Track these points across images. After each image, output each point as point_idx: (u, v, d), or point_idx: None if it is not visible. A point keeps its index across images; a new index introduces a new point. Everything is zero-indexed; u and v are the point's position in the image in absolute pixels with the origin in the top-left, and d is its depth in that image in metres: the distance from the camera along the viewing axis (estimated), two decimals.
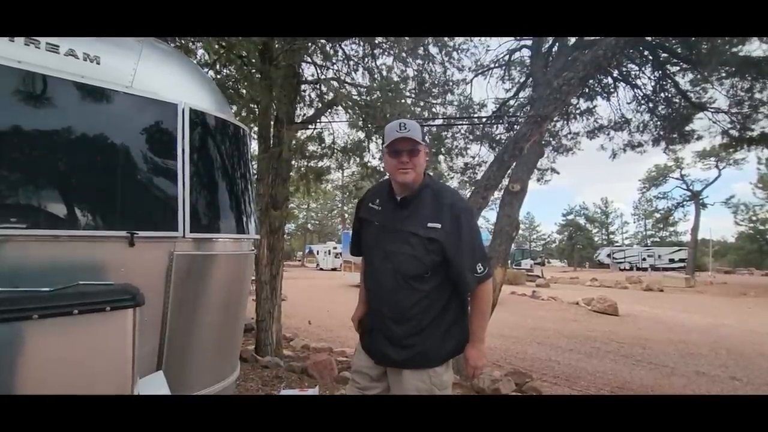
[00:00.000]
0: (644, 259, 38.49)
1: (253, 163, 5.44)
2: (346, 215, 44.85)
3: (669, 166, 32.66)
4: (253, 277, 5.31)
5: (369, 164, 6.96)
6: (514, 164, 5.06)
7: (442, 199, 1.62)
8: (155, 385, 1.53)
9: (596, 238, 52.28)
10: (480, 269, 1.58)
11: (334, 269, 28.47)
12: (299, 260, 42.98)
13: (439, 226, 1.57)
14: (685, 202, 33.67)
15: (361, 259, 1.89)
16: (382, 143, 1.66)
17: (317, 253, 34.17)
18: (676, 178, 33.11)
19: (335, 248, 30.28)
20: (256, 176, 4.88)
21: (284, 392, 3.11)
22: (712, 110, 7.64)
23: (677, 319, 11.12)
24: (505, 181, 5.36)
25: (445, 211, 1.60)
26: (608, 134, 8.70)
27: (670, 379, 5.92)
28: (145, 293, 1.52)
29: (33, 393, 1.17)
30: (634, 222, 50.83)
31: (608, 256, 42.41)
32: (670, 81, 7.43)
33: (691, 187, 32.03)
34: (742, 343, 8.23)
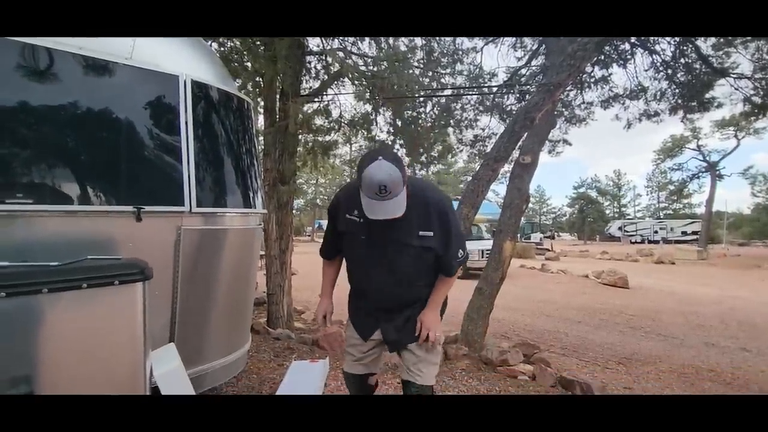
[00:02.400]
0: (656, 232, 38.05)
1: (260, 137, 5.39)
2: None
3: (685, 136, 31.73)
4: (263, 252, 5.37)
5: (377, 138, 6.87)
6: (525, 135, 4.94)
7: (427, 200, 1.57)
8: (167, 357, 1.56)
9: (608, 212, 51.69)
10: (461, 255, 1.67)
11: None
12: (309, 235, 43.38)
13: (431, 234, 1.58)
14: (700, 174, 32.86)
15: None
16: (357, 179, 1.46)
17: None
18: (693, 149, 32.22)
19: None
20: (262, 151, 4.85)
21: (295, 363, 3.17)
22: (734, 76, 7.31)
23: (688, 291, 11.06)
24: (516, 153, 5.25)
25: (433, 214, 1.57)
26: (623, 103, 8.41)
27: (679, 350, 5.93)
28: (155, 268, 1.52)
29: (48, 367, 1.20)
30: (647, 194, 50.05)
31: (619, 229, 41.99)
32: (691, 46, 7.10)
33: (707, 158, 31.19)
34: (753, 315, 8.18)
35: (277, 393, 2.65)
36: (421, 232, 1.57)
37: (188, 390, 1.52)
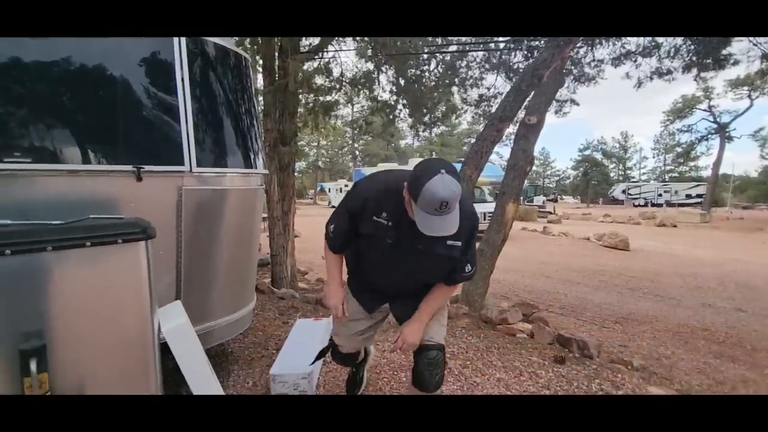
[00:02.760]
0: (660, 195, 37.81)
1: (259, 98, 5.27)
2: (357, 152, 44.35)
3: (697, 96, 30.81)
4: (265, 215, 5.39)
5: (379, 98, 6.70)
6: (532, 95, 4.80)
7: (463, 211, 1.45)
8: (174, 313, 1.60)
9: (612, 175, 51.21)
10: (468, 270, 1.68)
11: None
12: (311, 198, 43.44)
13: (459, 243, 1.55)
14: (710, 135, 32.16)
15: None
16: (411, 190, 1.39)
17: (329, 191, 34.41)
18: (704, 110, 31.34)
19: (346, 186, 30.39)
20: (262, 111, 4.75)
21: (300, 321, 3.27)
22: None
23: (689, 254, 11.14)
24: (522, 114, 5.12)
25: (464, 225, 1.49)
26: (635, 61, 8.09)
27: (676, 310, 6.05)
28: (157, 228, 1.53)
29: (58, 323, 1.23)
30: (654, 157, 49.41)
31: (623, 192, 41.73)
32: None
33: (718, 119, 30.43)
34: (752, 277, 8.27)
35: (283, 349, 2.75)
36: (449, 242, 1.52)
37: (195, 345, 1.57)
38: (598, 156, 49.76)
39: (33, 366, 1.08)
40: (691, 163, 43.53)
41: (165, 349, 1.53)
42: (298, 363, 2.49)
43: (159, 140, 1.96)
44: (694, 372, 3.88)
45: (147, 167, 1.80)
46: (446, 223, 1.36)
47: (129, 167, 1.75)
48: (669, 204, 34.22)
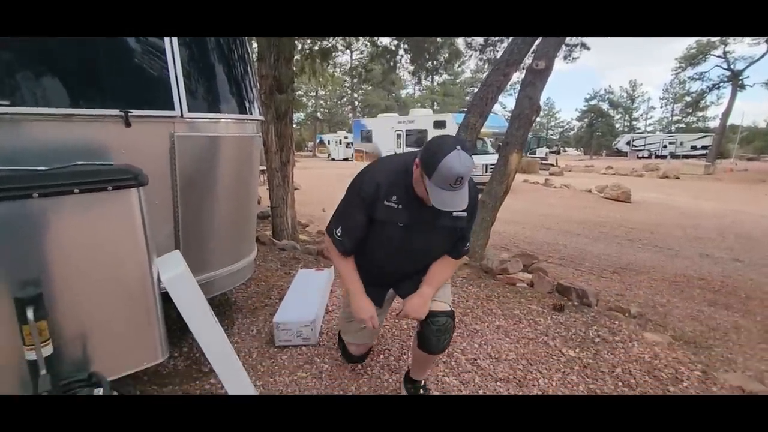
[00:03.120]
0: (665, 147, 37.22)
1: (252, 42, 4.99)
2: (356, 102, 43.14)
3: (712, 42, 29.41)
4: (263, 168, 5.29)
5: (379, 42, 6.36)
6: (541, 38, 4.53)
7: (469, 182, 1.46)
8: (173, 262, 1.57)
9: (618, 125, 50.13)
10: (468, 244, 1.76)
11: (345, 159, 28.45)
12: (310, 150, 42.86)
13: (464, 214, 1.59)
14: (721, 84, 31.07)
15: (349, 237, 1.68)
16: (425, 167, 1.40)
17: (328, 143, 33.83)
18: (718, 56, 30.05)
19: (346, 138, 29.82)
20: (256, 56, 4.51)
21: (302, 271, 3.29)
22: None
23: (690, 205, 11.11)
24: (529, 60, 4.87)
25: (470, 195, 1.51)
26: None
27: (674, 261, 6.11)
28: (151, 176, 1.47)
29: (53, 272, 1.20)
30: (662, 107, 48.07)
31: (627, 143, 41.03)
32: None
33: (732, 66, 29.23)
34: (752, 228, 8.30)
35: (285, 298, 2.78)
36: (455, 213, 1.54)
37: (196, 293, 1.56)
38: (605, 106, 48.44)
39: (30, 314, 1.06)
40: (700, 113, 42.48)
41: (168, 298, 1.52)
42: (300, 312, 2.53)
43: (147, 84, 1.85)
44: (687, 319, 3.97)
45: (135, 112, 1.70)
46: (459, 197, 1.41)
47: (116, 112, 1.66)
48: (673, 156, 33.77)
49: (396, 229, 1.59)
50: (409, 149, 15.38)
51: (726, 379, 2.05)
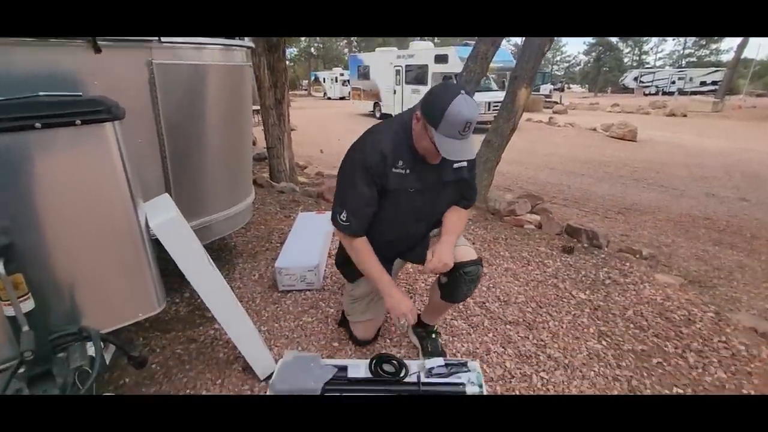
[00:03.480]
0: (673, 83, 35.80)
1: None
2: (352, 37, 40.67)
3: None
4: (257, 107, 4.99)
5: None
6: None
7: None
8: (162, 207, 1.43)
9: (626, 60, 47.90)
10: (475, 193, 1.72)
11: (342, 98, 27.37)
12: (305, 89, 41.17)
13: (465, 164, 1.56)
14: None
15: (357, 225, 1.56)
16: (429, 116, 1.32)
17: (323, 81, 32.36)
18: None
19: (342, 75, 28.45)
20: None
21: (302, 214, 3.17)
22: None
23: (696, 144, 10.84)
24: None
25: None
26: None
27: (679, 200, 6.02)
28: (131, 112, 1.29)
29: (20, 221, 1.06)
30: (674, 39, 45.50)
31: (635, 79, 39.39)
32: None
33: None
34: (759, 167, 8.14)
35: (286, 243, 2.69)
36: (456, 165, 1.52)
37: (190, 239, 1.44)
38: (614, 39, 45.91)
39: (0, 267, 0.94)
40: (713, 46, 40.40)
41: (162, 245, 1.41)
42: (303, 256, 2.44)
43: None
44: (692, 259, 3.95)
45: (105, 37, 1.47)
46: (468, 145, 1.35)
47: (81, 38, 1.43)
48: (681, 92, 32.62)
49: (407, 196, 1.52)
50: (410, 86, 14.69)
51: (739, 320, 2.01)
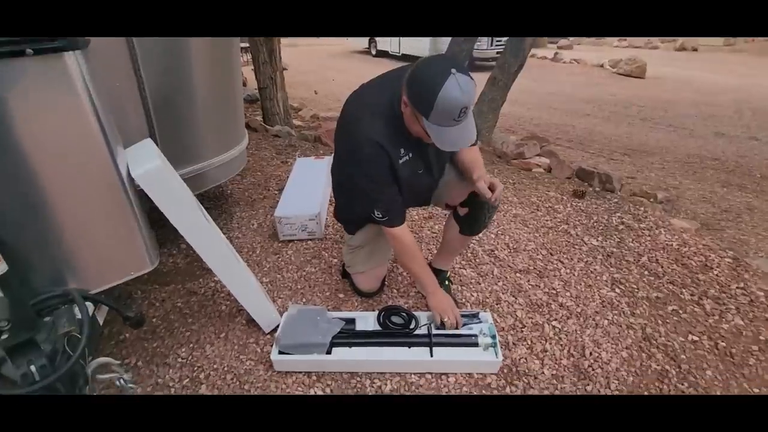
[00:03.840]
0: None
1: None
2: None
3: None
4: (246, 44, 4.60)
5: None
6: None
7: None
8: (145, 154, 1.28)
9: None
10: (478, 136, 1.57)
11: None
12: None
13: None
14: None
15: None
16: (417, 105, 1.16)
17: None
18: None
19: None
20: None
21: (300, 159, 3.01)
22: None
23: (707, 80, 10.38)
24: None
25: None
26: None
27: (687, 140, 5.84)
28: (100, 47, 1.09)
29: None
30: None
31: None
32: None
33: None
34: None
35: (285, 190, 2.56)
36: None
37: (178, 189, 1.30)
38: None
39: None
40: None
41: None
42: (303, 204, 2.32)
43: None
44: (699, 201, 3.87)
45: None
46: (466, 129, 1.19)
47: None
48: None
49: (418, 177, 1.45)
50: None
51: (758, 265, 1.95)
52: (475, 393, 1.43)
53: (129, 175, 1.16)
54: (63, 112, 0.98)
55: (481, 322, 1.62)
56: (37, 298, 0.99)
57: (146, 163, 1.19)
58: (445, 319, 1.56)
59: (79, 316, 1.03)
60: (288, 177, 2.75)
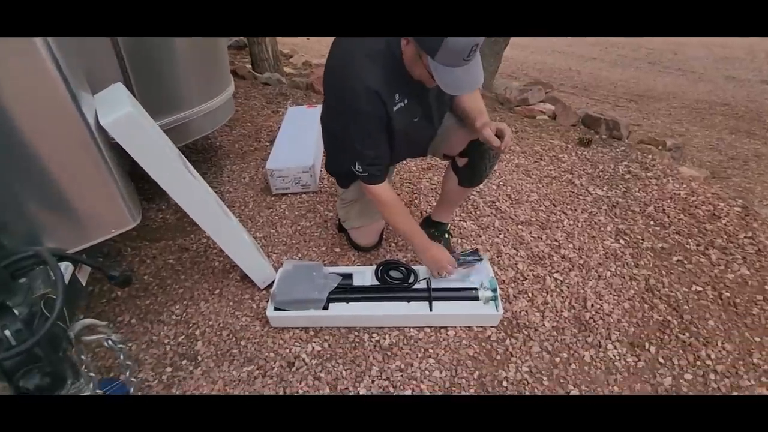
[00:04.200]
0: None
1: None
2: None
3: None
4: None
5: None
6: None
7: None
8: (115, 100, 1.15)
9: None
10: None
11: None
12: None
13: None
14: None
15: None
16: (424, 44, 1.05)
17: None
18: None
19: None
20: None
21: (291, 109, 2.84)
22: None
23: None
24: None
25: None
26: None
27: (696, 85, 5.61)
28: None
29: None
30: None
31: None
32: None
33: None
34: None
35: (277, 141, 2.43)
36: None
37: (154, 138, 1.19)
38: None
39: None
40: None
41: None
42: (296, 156, 2.21)
43: None
44: (706, 148, 3.76)
45: None
46: (473, 73, 1.08)
47: None
48: None
49: (414, 126, 1.34)
50: None
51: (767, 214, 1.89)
52: (474, 346, 1.42)
53: (98, 124, 1.05)
54: (14, 54, 0.85)
55: (482, 259, 1.56)
56: (9, 259, 0.92)
57: (116, 109, 1.08)
58: (443, 275, 1.51)
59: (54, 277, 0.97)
60: (279, 127, 2.61)
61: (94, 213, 1.11)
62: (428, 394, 1.24)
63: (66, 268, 1.05)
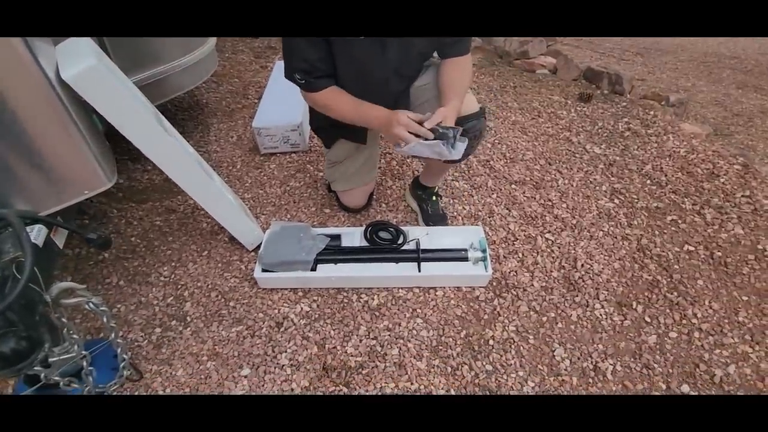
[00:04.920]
0: None
1: None
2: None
3: None
4: None
5: None
6: None
7: None
8: (76, 49, 1.07)
9: None
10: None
11: None
12: None
13: None
14: None
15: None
16: None
17: None
18: None
19: None
20: None
21: (280, 63, 2.71)
22: None
23: None
24: None
25: None
26: None
27: (705, 37, 5.35)
28: None
29: None
30: None
31: None
32: None
33: None
34: None
35: (264, 98, 2.33)
36: None
37: (123, 93, 1.11)
38: None
39: None
40: None
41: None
42: (284, 114, 2.12)
43: None
44: (711, 104, 3.64)
45: None
46: None
47: None
48: None
49: (360, 45, 1.18)
50: None
51: None
52: (462, 305, 1.42)
53: (60, 77, 0.98)
54: None
55: (465, 140, 1.19)
56: None
57: (79, 62, 1.00)
58: (402, 145, 1.19)
59: (37, 240, 0.94)
60: (267, 83, 2.50)
61: (64, 174, 1.07)
62: (428, 394, 1.21)
63: (39, 231, 1.02)
